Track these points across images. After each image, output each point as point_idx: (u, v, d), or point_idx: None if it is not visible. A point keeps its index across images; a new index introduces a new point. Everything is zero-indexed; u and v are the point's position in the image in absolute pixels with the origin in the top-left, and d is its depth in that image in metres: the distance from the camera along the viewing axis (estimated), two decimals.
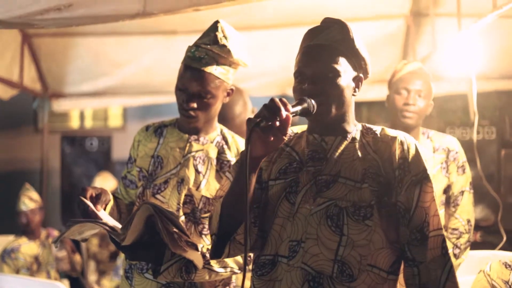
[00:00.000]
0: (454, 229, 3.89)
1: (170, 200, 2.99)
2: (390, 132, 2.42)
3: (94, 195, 2.78)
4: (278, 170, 2.44)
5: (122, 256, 6.82)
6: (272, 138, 2.18)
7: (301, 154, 2.43)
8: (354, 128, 2.44)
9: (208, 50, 2.94)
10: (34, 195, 6.43)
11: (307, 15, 5.77)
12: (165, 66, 6.90)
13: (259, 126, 2.14)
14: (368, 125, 2.48)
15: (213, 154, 3.05)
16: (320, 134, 2.42)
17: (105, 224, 2.63)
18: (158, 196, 3.02)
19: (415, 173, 2.34)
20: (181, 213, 2.96)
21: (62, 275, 6.72)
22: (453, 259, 3.75)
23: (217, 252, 2.44)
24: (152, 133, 3.18)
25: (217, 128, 3.15)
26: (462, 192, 3.90)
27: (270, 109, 2.15)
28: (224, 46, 2.95)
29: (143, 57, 7.02)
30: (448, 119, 6.93)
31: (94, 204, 2.74)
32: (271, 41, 6.53)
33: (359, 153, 2.37)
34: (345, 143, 2.40)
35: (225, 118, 3.86)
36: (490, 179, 5.13)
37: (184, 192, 2.98)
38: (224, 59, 2.95)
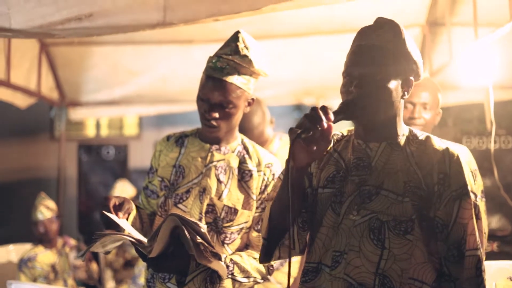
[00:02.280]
0: None
1: (192, 210, 3.00)
2: (436, 142, 2.39)
3: (117, 203, 2.80)
4: (326, 178, 2.45)
5: (140, 264, 6.84)
6: (315, 148, 2.19)
7: (347, 162, 2.43)
8: (400, 134, 2.43)
9: (229, 60, 2.96)
10: (51, 204, 6.44)
11: (324, 24, 5.79)
12: (181, 75, 6.92)
13: (301, 137, 2.15)
14: (414, 131, 2.46)
15: (235, 163, 3.06)
16: (365, 140, 2.42)
17: (131, 236, 2.64)
18: (180, 205, 3.03)
19: (455, 188, 2.31)
20: (203, 222, 2.97)
21: (79, 283, 6.73)
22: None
23: (267, 255, 2.47)
24: (174, 143, 3.20)
25: (238, 137, 3.16)
26: None
27: (312, 119, 2.16)
28: (245, 56, 2.96)
29: (159, 66, 7.04)
30: (464, 128, 6.90)
31: (116, 213, 2.76)
32: (288, 50, 6.54)
33: (403, 165, 2.35)
34: (390, 150, 2.39)
35: (244, 128, 3.86)
36: (507, 189, 5.10)
37: (206, 201, 2.99)
38: (245, 69, 2.97)
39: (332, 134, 2.22)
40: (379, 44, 2.34)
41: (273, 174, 3.01)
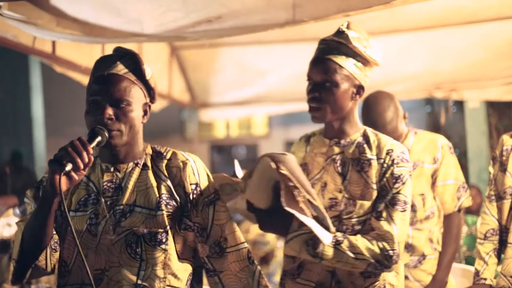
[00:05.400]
0: None
1: None
2: (182, 156, 2.63)
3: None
4: (78, 201, 2.59)
5: (274, 262, 6.88)
6: (76, 177, 2.35)
7: (97, 185, 2.59)
8: (143, 154, 2.63)
9: (329, 40, 2.96)
10: None
11: (452, 16, 5.66)
12: None
13: (65, 171, 2.29)
14: (157, 149, 2.67)
15: (354, 155, 3.01)
16: (112, 163, 2.59)
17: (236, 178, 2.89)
18: None
19: (206, 195, 2.60)
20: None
21: None
22: None
23: (19, 276, 2.56)
24: (303, 143, 3.22)
25: (360, 129, 3.08)
26: None
27: (74, 152, 2.31)
28: (342, 32, 2.93)
29: (287, 65, 7.05)
30: None
31: None
32: (416, 44, 6.42)
33: (152, 182, 2.57)
34: (138, 170, 2.59)
35: (376, 124, 3.81)
36: None
37: (328, 196, 2.97)
38: (345, 47, 2.91)
39: (91, 163, 2.38)
40: (121, 74, 2.52)
41: (393, 160, 2.91)
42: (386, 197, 2.89)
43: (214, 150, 12.66)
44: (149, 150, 2.65)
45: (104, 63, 2.56)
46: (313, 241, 2.79)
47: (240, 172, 2.96)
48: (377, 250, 2.83)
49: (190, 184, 2.56)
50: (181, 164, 2.58)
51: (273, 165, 2.66)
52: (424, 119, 12.11)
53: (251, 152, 12.71)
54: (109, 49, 5.41)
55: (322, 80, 2.93)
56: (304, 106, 7.87)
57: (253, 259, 2.65)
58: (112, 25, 3.90)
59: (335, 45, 2.93)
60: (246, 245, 2.64)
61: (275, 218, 2.82)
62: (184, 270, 2.59)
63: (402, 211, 2.87)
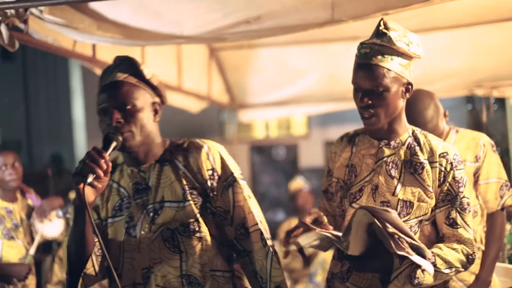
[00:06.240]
0: None
1: None
2: (197, 144, 2.80)
3: (311, 221, 2.92)
4: (113, 207, 2.79)
5: (316, 263, 6.87)
6: (100, 186, 2.48)
7: (128, 189, 2.79)
8: (162, 150, 2.80)
9: (371, 44, 2.88)
10: None
11: (491, 13, 5.59)
12: (348, 72, 6.80)
13: (88, 182, 2.41)
14: (175, 142, 2.83)
15: (406, 156, 2.98)
16: (136, 166, 2.77)
17: (330, 232, 2.80)
18: (354, 204, 2.98)
19: (224, 178, 2.76)
20: None
21: None
22: None
23: (71, 287, 2.73)
24: (346, 143, 3.15)
25: (409, 129, 3.05)
26: None
27: (92, 162, 2.42)
28: (384, 34, 2.86)
29: (325, 65, 7.02)
30: None
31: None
32: (455, 41, 6.35)
33: (175, 175, 2.74)
34: (160, 167, 2.77)
35: (417, 123, 3.76)
36: None
37: (380, 199, 2.94)
38: (388, 48, 2.85)
39: (110, 169, 2.50)
40: (121, 80, 2.70)
41: (451, 163, 2.90)
42: (455, 202, 2.90)
43: (254, 150, 12.66)
44: (168, 145, 2.82)
45: (106, 73, 2.76)
46: (414, 273, 2.76)
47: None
48: (464, 258, 2.90)
49: (207, 170, 2.74)
50: (196, 152, 2.76)
51: (378, 223, 2.61)
52: (465, 117, 11.98)
53: (290, 152, 12.70)
54: (149, 51, 5.48)
55: (371, 86, 2.87)
56: (343, 106, 7.84)
57: (266, 241, 2.79)
58: (151, 27, 3.93)
59: (378, 48, 2.86)
60: (259, 226, 2.78)
61: (373, 261, 2.77)
62: (225, 252, 2.80)
63: (469, 213, 2.92)
